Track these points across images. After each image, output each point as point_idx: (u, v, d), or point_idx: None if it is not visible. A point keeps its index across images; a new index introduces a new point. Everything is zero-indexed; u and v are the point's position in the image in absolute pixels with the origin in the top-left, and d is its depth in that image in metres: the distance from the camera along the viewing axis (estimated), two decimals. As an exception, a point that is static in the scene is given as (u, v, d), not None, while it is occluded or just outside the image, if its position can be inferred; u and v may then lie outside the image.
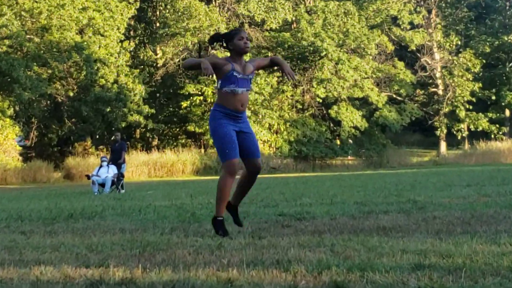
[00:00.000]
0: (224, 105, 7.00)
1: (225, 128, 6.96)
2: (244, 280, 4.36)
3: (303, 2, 52.22)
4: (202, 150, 46.47)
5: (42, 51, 38.48)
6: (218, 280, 4.37)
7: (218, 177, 7.62)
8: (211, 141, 42.98)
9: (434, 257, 4.91)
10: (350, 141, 50.44)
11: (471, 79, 54.33)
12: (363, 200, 11.44)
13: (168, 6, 47.00)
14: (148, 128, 46.53)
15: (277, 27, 48.67)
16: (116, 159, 22.27)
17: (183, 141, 49.78)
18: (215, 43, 7.36)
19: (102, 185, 21.16)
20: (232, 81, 6.96)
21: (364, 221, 7.97)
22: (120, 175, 21.74)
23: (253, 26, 48.87)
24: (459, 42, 58.20)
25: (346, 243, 5.83)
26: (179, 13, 45.00)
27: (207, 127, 46.02)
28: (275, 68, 8.14)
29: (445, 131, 55.81)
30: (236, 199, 7.41)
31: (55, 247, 6.33)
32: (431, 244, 5.55)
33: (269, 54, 49.82)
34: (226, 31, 7.03)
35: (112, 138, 29.24)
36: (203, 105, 46.02)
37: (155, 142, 49.50)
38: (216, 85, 7.15)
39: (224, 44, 7.23)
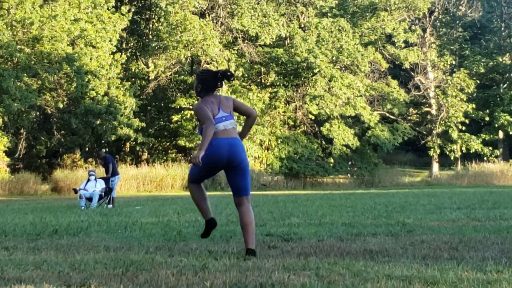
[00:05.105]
0: None
1: None
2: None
3: (297, 18, 52.38)
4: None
5: (32, 62, 38.40)
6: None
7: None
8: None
9: (418, 283, 4.94)
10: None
11: (465, 99, 54.41)
12: (352, 221, 11.48)
13: (162, 19, 47.05)
14: (138, 141, 46.49)
15: (271, 43, 48.76)
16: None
17: (173, 155, 49.73)
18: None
19: (90, 199, 21.16)
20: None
21: (351, 243, 8.00)
22: (108, 190, 21.71)
23: (246, 41, 49.02)
24: (454, 62, 58.49)
25: (331, 267, 5.85)
26: (173, 26, 45.03)
27: (198, 141, 46.16)
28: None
29: (438, 151, 55.84)
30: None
31: (38, 265, 6.32)
32: (416, 270, 5.58)
33: (262, 69, 49.94)
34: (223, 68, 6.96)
35: (95, 155, 29.30)
36: (194, 119, 46.00)
37: (144, 156, 49.45)
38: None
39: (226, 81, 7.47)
